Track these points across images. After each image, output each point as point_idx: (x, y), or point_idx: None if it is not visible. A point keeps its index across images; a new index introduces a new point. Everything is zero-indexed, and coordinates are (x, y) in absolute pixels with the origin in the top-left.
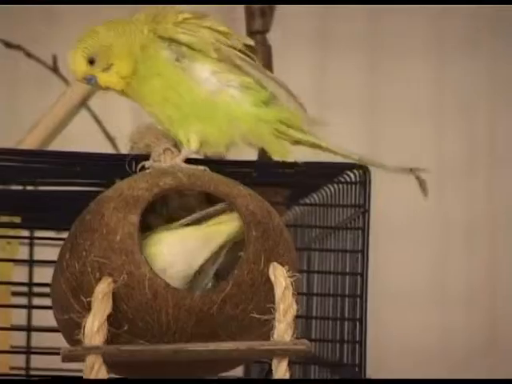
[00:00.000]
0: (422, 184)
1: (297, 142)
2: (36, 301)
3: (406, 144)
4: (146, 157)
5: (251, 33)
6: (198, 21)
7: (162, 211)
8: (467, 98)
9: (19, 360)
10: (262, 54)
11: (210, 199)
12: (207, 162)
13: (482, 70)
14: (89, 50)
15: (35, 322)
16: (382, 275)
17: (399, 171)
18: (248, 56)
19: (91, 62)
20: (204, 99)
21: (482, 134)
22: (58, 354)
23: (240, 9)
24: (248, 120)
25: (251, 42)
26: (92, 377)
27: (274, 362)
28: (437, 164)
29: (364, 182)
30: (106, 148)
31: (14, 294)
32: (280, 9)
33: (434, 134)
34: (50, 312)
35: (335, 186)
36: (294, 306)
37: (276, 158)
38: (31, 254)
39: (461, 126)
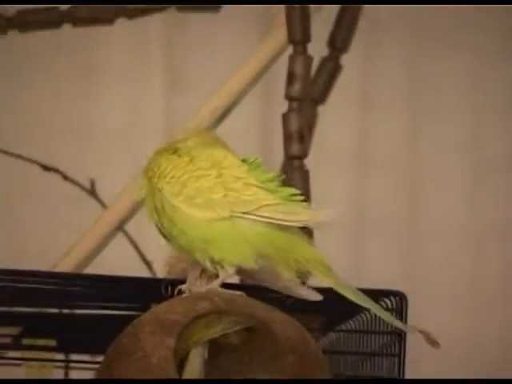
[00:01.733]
0: (429, 341)
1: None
2: None
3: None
4: (183, 281)
5: (289, 158)
6: None
7: None
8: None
9: None
10: (299, 179)
11: None
12: (244, 287)
13: None
14: None
15: None
16: None
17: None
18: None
19: None
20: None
21: None
22: None
23: (278, 132)
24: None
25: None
26: None
27: None
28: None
29: (400, 309)
30: (143, 272)
31: None
32: (318, 133)
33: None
34: None
35: (371, 312)
36: None
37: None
38: (66, 377)
39: None
